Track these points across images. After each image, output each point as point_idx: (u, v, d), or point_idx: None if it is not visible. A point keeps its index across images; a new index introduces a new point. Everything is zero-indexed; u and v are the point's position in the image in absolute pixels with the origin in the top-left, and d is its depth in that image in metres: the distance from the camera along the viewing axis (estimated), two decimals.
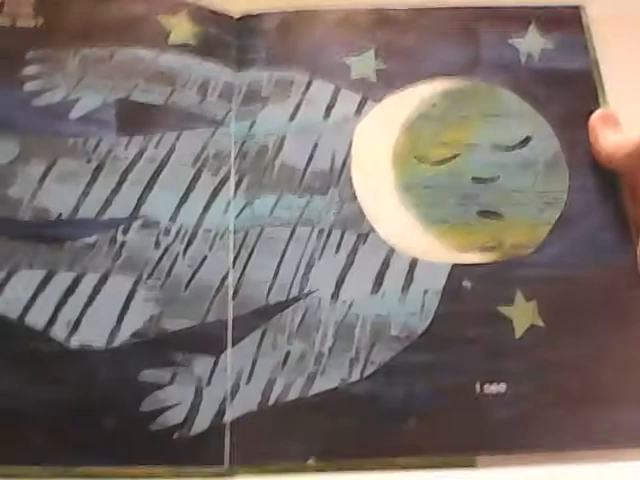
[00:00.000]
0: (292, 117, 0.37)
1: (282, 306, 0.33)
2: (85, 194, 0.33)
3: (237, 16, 0.40)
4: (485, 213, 0.36)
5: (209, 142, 0.36)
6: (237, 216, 0.35)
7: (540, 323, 0.33)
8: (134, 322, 0.31)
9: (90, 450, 0.29)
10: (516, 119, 0.38)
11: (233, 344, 0.32)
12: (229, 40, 0.39)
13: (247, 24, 0.40)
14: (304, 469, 0.30)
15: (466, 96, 0.38)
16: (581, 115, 0.38)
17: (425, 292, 0.33)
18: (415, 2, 0.41)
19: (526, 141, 0.37)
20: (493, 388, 0.32)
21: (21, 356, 0.30)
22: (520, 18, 0.40)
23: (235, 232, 0.34)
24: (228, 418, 0.30)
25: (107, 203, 0.33)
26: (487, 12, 0.41)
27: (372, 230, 0.35)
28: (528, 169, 0.37)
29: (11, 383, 0.29)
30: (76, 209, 0.33)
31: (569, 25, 0.40)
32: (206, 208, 0.34)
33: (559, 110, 0.38)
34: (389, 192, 0.36)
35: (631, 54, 0.42)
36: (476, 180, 0.36)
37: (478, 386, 0.32)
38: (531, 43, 0.40)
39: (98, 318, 0.31)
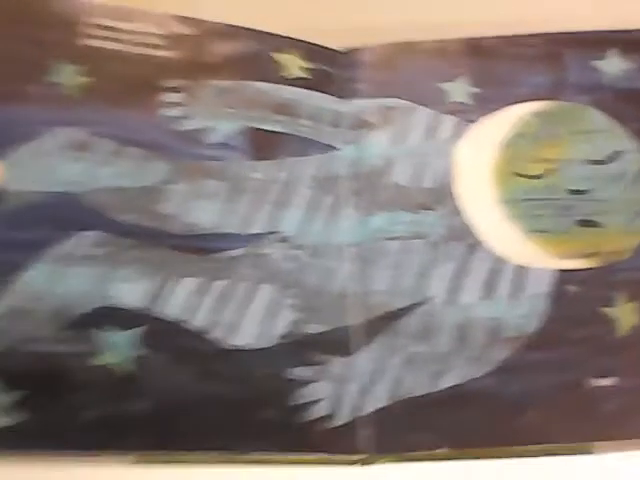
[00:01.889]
0: (397, 140, 0.41)
1: (404, 312, 0.36)
2: (227, 211, 0.37)
3: (342, 50, 0.44)
4: (582, 222, 0.39)
5: (326, 165, 0.40)
6: (355, 232, 0.38)
7: None
8: (280, 326, 0.35)
9: (252, 439, 0.32)
10: (604, 135, 0.41)
11: (362, 346, 0.35)
12: (335, 72, 0.43)
13: (351, 57, 0.43)
14: (436, 457, 0.33)
15: (557, 115, 0.42)
16: None
17: (533, 296, 0.37)
18: (504, 31, 0.44)
19: (615, 155, 0.40)
20: (603, 382, 0.35)
21: (187, 355, 0.33)
22: (601, 42, 0.44)
23: (355, 246, 0.38)
24: (364, 412, 0.34)
25: (247, 220, 0.37)
26: (570, 37, 0.44)
27: (480, 241, 0.38)
28: (619, 181, 0.40)
29: (181, 379, 0.33)
30: (221, 225, 0.37)
31: None
32: (329, 225, 0.38)
33: None
34: (492, 205, 0.39)
35: None
36: (572, 192, 0.39)
37: (589, 380, 0.35)
38: (612, 65, 0.43)
39: (251, 322, 0.35)
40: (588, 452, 0.33)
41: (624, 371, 0.35)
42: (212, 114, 0.40)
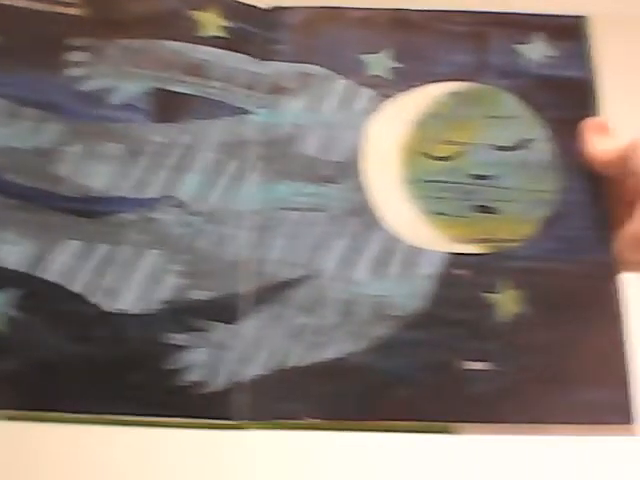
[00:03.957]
0: (312, 109, 0.41)
1: (294, 283, 0.37)
2: (122, 175, 0.37)
3: (265, 7, 0.43)
4: (481, 208, 0.39)
5: (234, 129, 0.40)
6: (257, 199, 0.38)
7: (523, 310, 0.37)
8: (163, 291, 0.35)
9: (120, 401, 0.33)
10: (516, 122, 0.41)
11: (249, 315, 0.36)
12: (256, 32, 0.42)
13: (274, 16, 0.43)
14: (305, 427, 0.34)
15: (472, 98, 0.42)
16: (576, 121, 0.41)
17: (422, 277, 0.37)
18: (432, 5, 0.44)
19: (524, 143, 0.41)
20: (476, 365, 0.36)
21: (64, 317, 0.34)
22: (527, 25, 0.43)
23: (254, 214, 0.38)
24: (241, 379, 0.35)
25: (142, 184, 0.37)
26: (497, 18, 0.44)
27: (378, 218, 0.39)
28: (523, 169, 0.40)
29: (55, 340, 0.34)
30: (114, 188, 0.37)
31: (573, 35, 0.43)
32: (229, 191, 0.38)
33: (557, 115, 0.41)
34: (395, 184, 0.40)
35: (628, 67, 0.45)
36: (475, 177, 0.40)
37: (463, 363, 0.36)
38: (536, 50, 0.43)
39: (132, 286, 0.35)
40: (451, 432, 0.35)
41: (497, 357, 0.36)
42: (117, 74, 0.39)
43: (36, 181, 0.36)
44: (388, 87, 0.42)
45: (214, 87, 0.40)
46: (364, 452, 0.33)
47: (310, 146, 0.40)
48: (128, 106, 0.39)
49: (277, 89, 0.41)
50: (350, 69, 0.42)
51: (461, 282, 0.38)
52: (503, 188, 0.40)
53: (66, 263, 0.35)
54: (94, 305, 0.35)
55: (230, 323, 0.36)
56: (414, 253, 0.38)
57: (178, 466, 0.30)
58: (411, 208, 0.39)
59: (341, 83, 0.42)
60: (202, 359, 0.35)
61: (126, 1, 0.41)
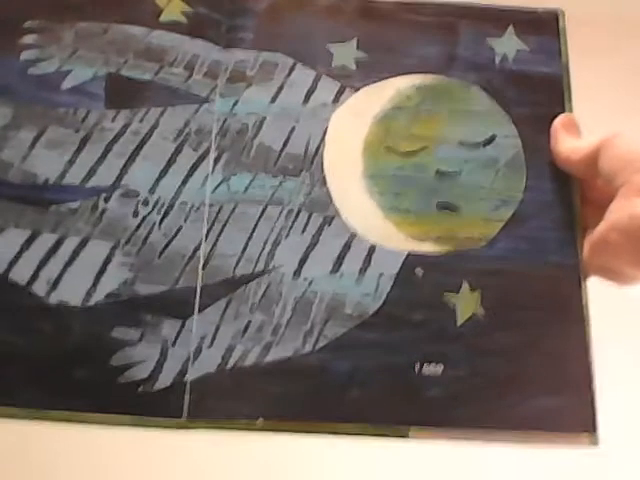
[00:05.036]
0: (273, 99, 0.40)
1: (247, 279, 0.36)
2: (72, 162, 0.36)
3: None
4: (443, 205, 0.38)
5: (192, 118, 0.38)
6: (213, 191, 0.37)
7: (481, 312, 0.36)
8: (109, 284, 0.34)
9: (63, 396, 0.32)
10: (484, 118, 0.40)
11: (199, 310, 0.35)
12: (219, 18, 0.41)
13: (238, 3, 0.41)
14: (253, 428, 0.33)
15: (439, 92, 0.40)
16: (546, 118, 0.40)
17: (380, 276, 0.36)
18: None
19: (491, 139, 0.40)
20: (431, 368, 0.35)
21: (4, 308, 0.33)
22: (500, 19, 0.42)
23: (210, 206, 0.37)
24: (189, 377, 0.34)
25: (92, 172, 0.36)
26: (468, 11, 0.42)
27: (337, 214, 0.37)
28: (489, 167, 0.39)
29: None
30: (62, 175, 0.36)
31: (546, 29, 0.42)
32: (184, 182, 0.37)
33: (526, 112, 0.40)
34: (356, 179, 0.38)
35: (601, 64, 0.44)
36: (439, 174, 0.39)
37: (418, 365, 0.35)
38: (507, 44, 0.42)
39: (76, 278, 0.34)
40: (404, 436, 0.34)
41: (454, 360, 0.35)
42: (71, 58, 0.38)
43: None
44: (354, 78, 0.40)
45: (173, 74, 0.39)
46: (314, 454, 0.32)
47: (270, 137, 0.39)
48: (81, 91, 0.37)
49: (240, 78, 0.40)
50: (315, 59, 0.41)
51: (420, 282, 0.36)
52: (468, 186, 0.39)
53: (8, 252, 0.34)
54: (36, 296, 0.33)
55: (179, 319, 0.35)
56: (373, 251, 0.37)
57: (123, 464, 0.29)
58: (372, 204, 0.38)
59: (305, 73, 0.40)
60: (148, 355, 0.34)
61: None
